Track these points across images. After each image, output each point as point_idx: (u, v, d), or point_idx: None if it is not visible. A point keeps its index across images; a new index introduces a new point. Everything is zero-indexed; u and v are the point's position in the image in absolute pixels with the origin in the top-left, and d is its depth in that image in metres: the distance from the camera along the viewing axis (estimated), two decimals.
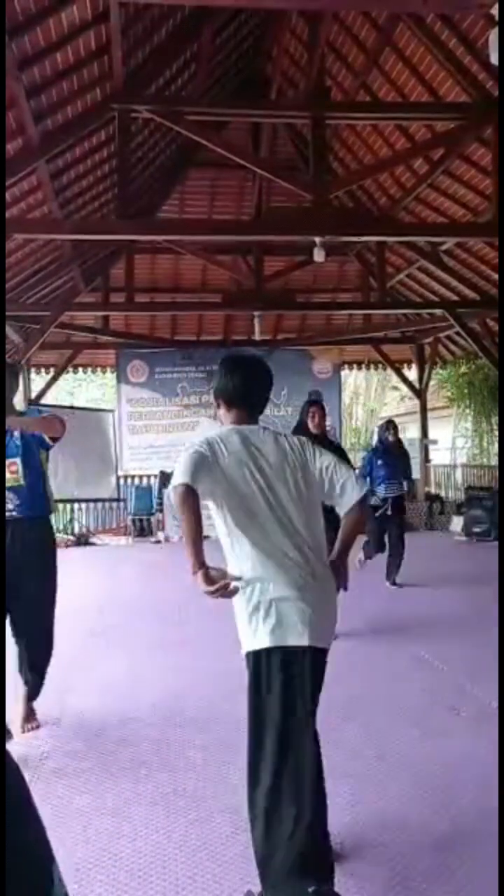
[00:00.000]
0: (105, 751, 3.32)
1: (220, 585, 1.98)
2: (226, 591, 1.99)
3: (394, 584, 6.92)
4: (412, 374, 14.15)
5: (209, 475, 2.11)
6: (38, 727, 3.58)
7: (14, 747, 3.18)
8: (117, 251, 10.94)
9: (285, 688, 2.05)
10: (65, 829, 2.58)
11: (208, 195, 10.92)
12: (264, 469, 2.18)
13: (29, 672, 3.57)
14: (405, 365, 14.24)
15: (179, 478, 2.06)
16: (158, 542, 11.47)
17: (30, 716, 3.60)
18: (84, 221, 8.81)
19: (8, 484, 3.38)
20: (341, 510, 2.24)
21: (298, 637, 2.06)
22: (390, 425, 7.14)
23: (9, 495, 3.38)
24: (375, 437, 7.44)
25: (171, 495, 2.10)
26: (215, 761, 3.15)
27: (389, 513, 6.78)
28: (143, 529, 12.04)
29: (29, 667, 3.56)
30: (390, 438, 6.98)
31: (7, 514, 3.38)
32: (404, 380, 14.23)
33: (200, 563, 2.00)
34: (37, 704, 3.71)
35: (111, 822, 2.67)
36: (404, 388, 16.21)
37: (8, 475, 3.39)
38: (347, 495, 2.21)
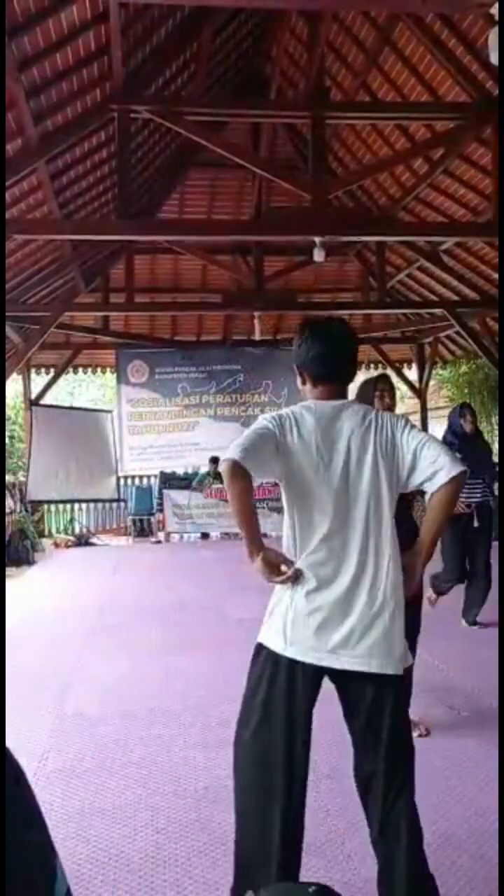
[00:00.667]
0: (105, 751, 3.32)
1: (287, 577, 1.86)
2: (293, 581, 1.87)
3: (473, 623, 5.36)
4: (412, 373, 14.15)
5: (272, 458, 1.89)
6: None
7: (14, 745, 3.18)
8: (117, 251, 10.94)
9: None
10: (65, 828, 2.57)
11: (208, 195, 10.92)
12: (340, 458, 1.90)
13: None
14: (405, 365, 14.24)
15: (232, 451, 1.82)
16: (158, 542, 11.47)
17: None
18: (84, 221, 8.82)
19: None
20: (432, 488, 1.90)
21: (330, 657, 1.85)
22: (465, 410, 5.47)
23: None
24: (446, 427, 5.60)
25: (221, 468, 1.87)
26: (216, 761, 3.15)
27: (476, 525, 5.16)
28: (143, 529, 12.04)
29: None
30: (466, 428, 5.34)
31: None
32: (404, 380, 14.23)
33: (258, 547, 1.85)
34: (37, 705, 3.72)
35: (111, 821, 2.67)
36: (404, 388, 16.20)
37: None
38: (443, 472, 1.86)
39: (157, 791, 2.90)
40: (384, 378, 3.50)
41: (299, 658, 1.84)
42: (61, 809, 2.74)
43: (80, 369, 13.81)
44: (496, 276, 9.76)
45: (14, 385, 13.68)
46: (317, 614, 1.85)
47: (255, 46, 9.30)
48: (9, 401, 13.78)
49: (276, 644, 1.88)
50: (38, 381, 12.96)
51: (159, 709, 3.83)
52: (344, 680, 1.87)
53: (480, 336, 10.87)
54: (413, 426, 2.00)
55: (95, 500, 12.39)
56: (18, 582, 8.13)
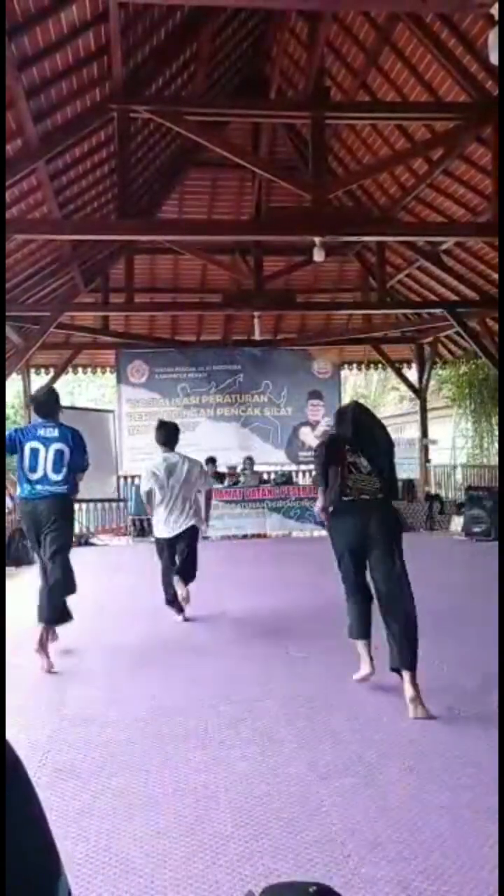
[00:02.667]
0: (105, 750, 3.32)
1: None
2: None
3: None
4: (412, 374, 14.15)
5: (154, 483, 5.62)
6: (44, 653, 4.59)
7: (14, 745, 3.18)
8: (117, 251, 10.95)
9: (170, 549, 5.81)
10: (65, 828, 2.57)
11: (208, 195, 10.93)
12: (172, 474, 5.61)
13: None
14: (405, 365, 14.25)
15: (144, 485, 5.75)
16: None
17: (44, 639, 4.63)
18: (84, 221, 8.83)
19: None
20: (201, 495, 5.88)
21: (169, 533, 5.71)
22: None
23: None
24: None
25: (142, 494, 5.85)
26: (216, 761, 3.15)
27: None
28: (142, 530, 12.02)
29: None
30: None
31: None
32: (404, 380, 14.23)
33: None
34: (37, 704, 3.72)
35: (111, 821, 2.66)
36: (404, 388, 16.21)
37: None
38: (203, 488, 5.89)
39: (157, 791, 2.90)
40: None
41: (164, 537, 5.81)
42: (61, 809, 2.74)
43: (80, 369, 13.81)
44: (496, 276, 9.77)
45: (14, 385, 13.68)
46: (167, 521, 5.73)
47: (255, 46, 9.30)
48: (8, 400, 13.77)
49: (160, 535, 5.85)
50: (38, 381, 12.96)
51: (159, 708, 3.83)
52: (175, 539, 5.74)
53: (480, 336, 10.87)
54: (203, 472, 5.95)
55: (95, 500, 12.39)
56: (18, 582, 8.12)
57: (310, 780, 2.94)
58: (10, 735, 0.66)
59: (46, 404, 4.97)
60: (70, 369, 13.31)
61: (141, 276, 11.45)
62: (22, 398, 13.05)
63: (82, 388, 24.22)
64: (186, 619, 5.85)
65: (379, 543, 3.87)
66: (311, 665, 4.52)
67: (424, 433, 13.42)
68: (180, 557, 5.69)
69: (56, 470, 4.70)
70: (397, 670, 3.75)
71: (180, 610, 5.85)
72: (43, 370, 13.01)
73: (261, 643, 5.03)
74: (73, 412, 14.32)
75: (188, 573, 5.71)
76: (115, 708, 3.87)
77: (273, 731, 3.47)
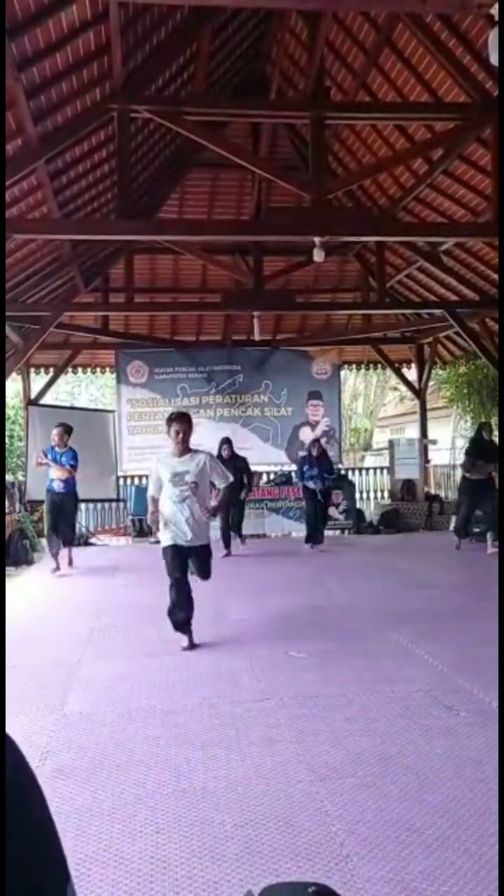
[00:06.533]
0: (104, 750, 3.32)
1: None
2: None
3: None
4: (412, 374, 14.15)
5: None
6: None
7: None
8: (117, 251, 10.94)
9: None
10: (65, 828, 2.57)
11: (208, 195, 10.92)
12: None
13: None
14: (405, 365, 14.24)
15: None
16: (158, 542, 11.42)
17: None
18: (84, 221, 8.82)
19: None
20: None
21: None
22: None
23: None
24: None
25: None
26: (216, 761, 3.15)
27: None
28: (142, 530, 12.01)
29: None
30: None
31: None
32: (404, 380, 14.22)
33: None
34: (37, 705, 3.73)
35: (111, 821, 2.66)
36: (404, 388, 16.21)
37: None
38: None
39: (157, 791, 2.90)
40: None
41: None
42: (60, 809, 2.74)
43: (80, 369, 13.79)
44: (496, 276, 9.76)
45: (13, 384, 13.68)
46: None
47: (255, 46, 9.30)
48: (8, 400, 13.76)
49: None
50: (38, 380, 12.95)
51: (159, 708, 3.83)
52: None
53: (480, 336, 10.87)
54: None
55: (95, 500, 12.37)
56: (18, 582, 8.12)
57: (310, 780, 2.94)
58: (10, 735, 0.66)
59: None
60: (70, 369, 13.29)
61: (141, 276, 11.44)
62: (22, 398, 13.04)
63: (82, 388, 24.21)
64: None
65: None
66: (311, 666, 4.52)
67: (424, 433, 13.41)
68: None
69: None
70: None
71: None
72: (43, 370, 12.99)
73: (260, 644, 5.03)
74: (73, 412, 14.38)
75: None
76: (115, 708, 3.87)
77: (273, 731, 3.47)
